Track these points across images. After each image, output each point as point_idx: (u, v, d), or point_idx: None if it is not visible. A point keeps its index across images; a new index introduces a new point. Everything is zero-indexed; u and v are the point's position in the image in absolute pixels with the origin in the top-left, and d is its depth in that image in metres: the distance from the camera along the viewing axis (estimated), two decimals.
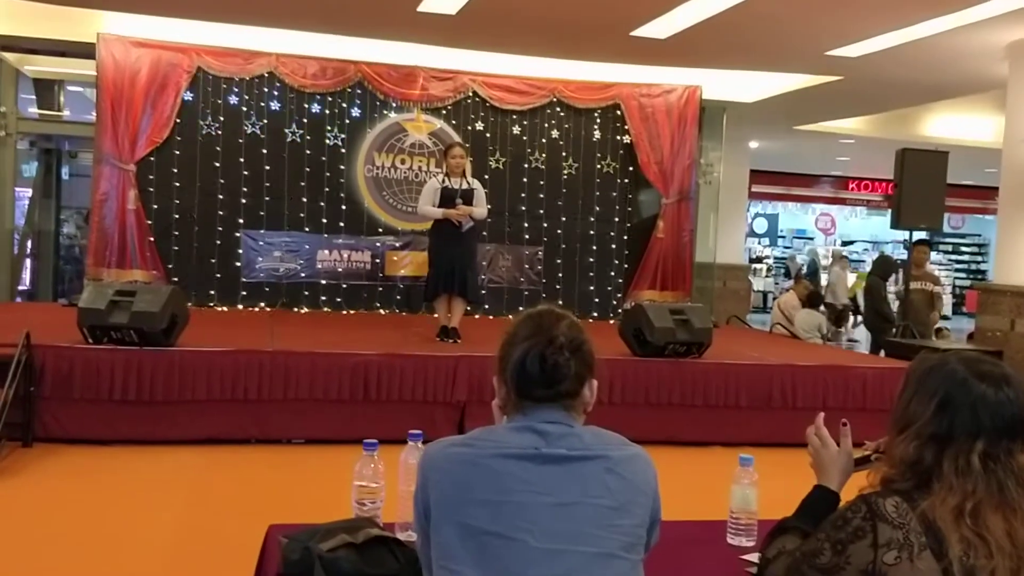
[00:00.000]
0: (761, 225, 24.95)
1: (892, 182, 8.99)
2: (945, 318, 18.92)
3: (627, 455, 1.72)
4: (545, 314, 1.81)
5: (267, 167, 9.13)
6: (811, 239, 25.72)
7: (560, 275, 9.90)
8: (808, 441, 2.00)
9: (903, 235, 10.11)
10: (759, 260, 22.88)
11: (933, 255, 17.37)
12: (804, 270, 20.76)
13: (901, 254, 15.89)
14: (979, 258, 24.86)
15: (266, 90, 9.12)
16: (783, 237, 25.83)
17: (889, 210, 9.71)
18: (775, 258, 24.40)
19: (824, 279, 16.54)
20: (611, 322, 9.04)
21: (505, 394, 1.78)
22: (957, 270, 23.99)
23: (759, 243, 24.46)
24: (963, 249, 24.85)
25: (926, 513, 1.55)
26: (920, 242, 9.49)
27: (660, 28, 8.08)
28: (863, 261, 24.12)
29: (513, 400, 1.76)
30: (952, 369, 1.66)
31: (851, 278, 11.52)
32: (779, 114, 11.60)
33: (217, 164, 9.02)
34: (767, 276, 22.63)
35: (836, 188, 20.26)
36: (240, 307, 8.98)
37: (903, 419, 1.68)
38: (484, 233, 9.04)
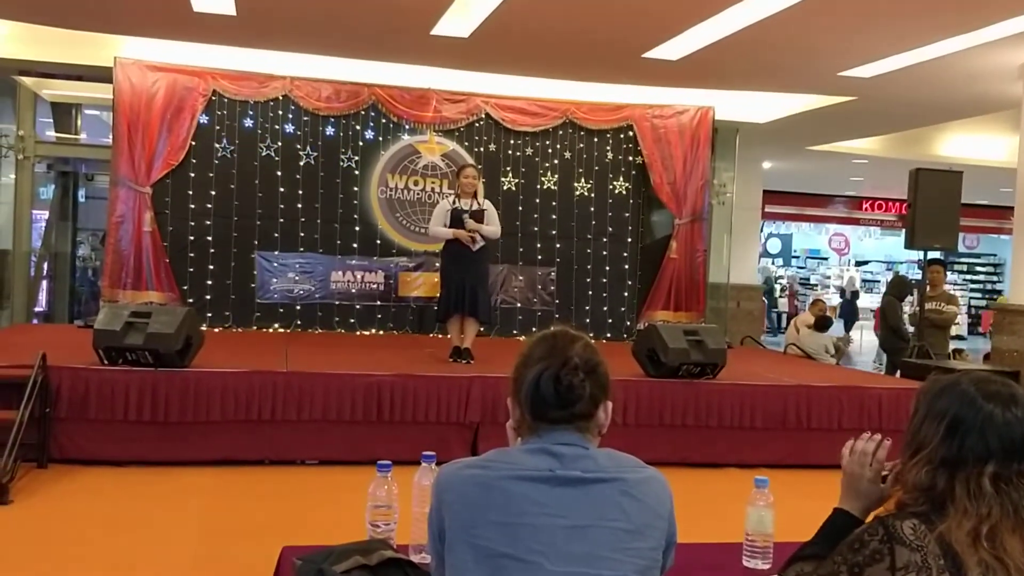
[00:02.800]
0: (775, 245, 24.94)
1: (906, 202, 8.96)
2: (961, 338, 18.84)
3: (643, 477, 1.71)
4: (559, 335, 1.80)
5: (281, 189, 9.19)
6: (825, 259, 25.69)
7: (573, 296, 9.89)
8: (853, 457, 1.87)
9: (917, 255, 10.05)
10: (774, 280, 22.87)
11: (948, 275, 17.24)
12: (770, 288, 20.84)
13: (916, 274, 15.82)
14: (995, 278, 24.73)
15: (281, 113, 9.20)
16: (797, 257, 25.80)
17: (903, 230, 9.66)
18: (788, 278, 24.37)
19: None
20: (624, 343, 9.02)
21: (519, 416, 1.77)
22: (972, 290, 23.87)
23: (773, 263, 24.43)
24: (978, 269, 24.74)
25: (944, 536, 1.54)
26: (934, 262, 9.44)
27: (672, 50, 8.12)
28: (877, 281, 24.07)
29: (528, 422, 1.75)
30: (962, 390, 1.65)
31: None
32: (792, 134, 11.60)
33: (232, 186, 9.08)
34: (781, 296, 22.64)
35: (850, 208, 20.23)
36: (255, 328, 9.01)
37: (914, 443, 1.66)
38: (497, 254, 9.06)
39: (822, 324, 10.72)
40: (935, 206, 8.61)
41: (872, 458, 1.86)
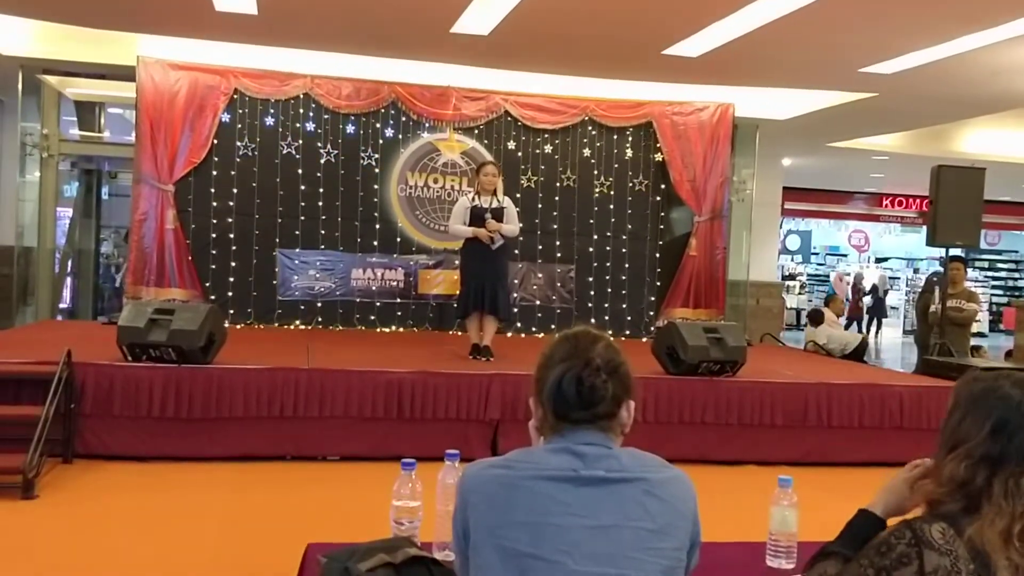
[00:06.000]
0: (794, 242, 24.83)
1: (927, 198, 8.90)
2: (982, 335, 18.69)
3: (666, 478, 1.72)
4: (581, 336, 1.81)
5: (302, 187, 9.23)
6: (844, 256, 25.53)
7: (592, 293, 9.89)
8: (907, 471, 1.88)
9: (938, 252, 10.00)
10: (792, 277, 22.76)
11: (969, 272, 17.11)
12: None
13: (938, 271, 15.72)
14: (1016, 275, 24.53)
15: (301, 111, 9.24)
16: (816, 254, 25.67)
17: (924, 226, 9.60)
18: (808, 275, 24.26)
19: None
20: (644, 340, 9.02)
21: (542, 416, 1.78)
22: (994, 287, 23.68)
23: (792, 260, 24.32)
24: (1000, 266, 24.54)
25: (973, 539, 1.54)
26: (955, 259, 9.37)
27: (692, 46, 8.09)
28: (898, 278, 23.93)
29: (550, 422, 1.76)
30: (1006, 393, 1.66)
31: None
32: (812, 131, 11.53)
33: (254, 184, 9.14)
34: (800, 293, 22.53)
35: (870, 205, 20.09)
36: (276, 325, 9.07)
37: (953, 438, 1.66)
38: (516, 251, 9.07)
39: (814, 318, 10.77)
40: (957, 203, 8.55)
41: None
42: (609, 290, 9.93)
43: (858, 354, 9.96)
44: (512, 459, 1.73)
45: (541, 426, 1.80)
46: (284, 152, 9.21)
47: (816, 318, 10.90)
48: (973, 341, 10.11)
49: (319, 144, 9.29)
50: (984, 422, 1.63)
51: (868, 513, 1.86)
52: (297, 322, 9.15)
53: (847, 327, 19.09)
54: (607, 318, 9.74)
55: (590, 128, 9.90)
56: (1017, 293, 23.43)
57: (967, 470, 1.61)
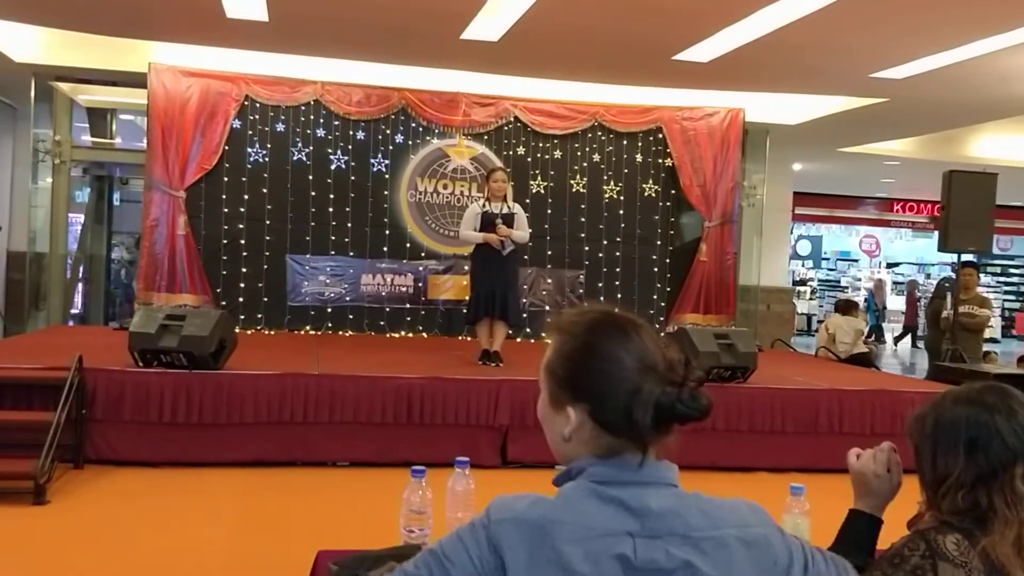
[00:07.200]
0: (805, 247, 24.73)
1: (938, 204, 8.87)
2: (994, 341, 18.59)
3: (741, 557, 1.33)
4: (643, 330, 1.45)
5: (313, 193, 9.26)
6: (855, 261, 25.44)
7: (602, 299, 9.87)
8: (860, 459, 1.83)
9: (950, 257, 9.94)
10: (803, 283, 22.68)
11: (981, 277, 17.04)
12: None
13: (949, 276, 15.64)
14: None
15: (312, 117, 9.27)
16: (827, 259, 25.56)
17: (935, 232, 9.57)
18: (819, 280, 24.18)
19: None
20: None
21: (591, 431, 1.36)
22: (1006, 292, 23.55)
23: (803, 265, 24.23)
24: (1012, 271, 24.40)
25: (987, 550, 1.53)
26: (967, 264, 9.32)
27: (702, 52, 8.08)
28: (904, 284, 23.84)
29: (603, 441, 1.35)
30: (957, 415, 1.64)
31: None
32: (823, 136, 11.50)
33: (264, 190, 9.17)
34: (811, 298, 22.45)
35: (881, 210, 20.02)
36: (286, 330, 9.09)
37: (935, 477, 1.65)
38: (525, 257, 9.08)
39: (848, 308, 10.64)
40: (969, 208, 8.52)
41: (887, 455, 1.83)
42: (619, 295, 9.92)
43: (865, 361, 9.90)
44: (551, 516, 1.29)
45: (583, 440, 1.36)
46: (295, 158, 9.24)
47: (847, 307, 10.69)
48: (985, 347, 10.07)
49: (329, 150, 9.31)
50: (956, 449, 1.61)
51: (859, 512, 1.81)
52: (307, 327, 9.17)
53: (902, 337, 19.08)
54: None
55: (599, 133, 9.90)
56: None
57: (966, 499, 1.59)
